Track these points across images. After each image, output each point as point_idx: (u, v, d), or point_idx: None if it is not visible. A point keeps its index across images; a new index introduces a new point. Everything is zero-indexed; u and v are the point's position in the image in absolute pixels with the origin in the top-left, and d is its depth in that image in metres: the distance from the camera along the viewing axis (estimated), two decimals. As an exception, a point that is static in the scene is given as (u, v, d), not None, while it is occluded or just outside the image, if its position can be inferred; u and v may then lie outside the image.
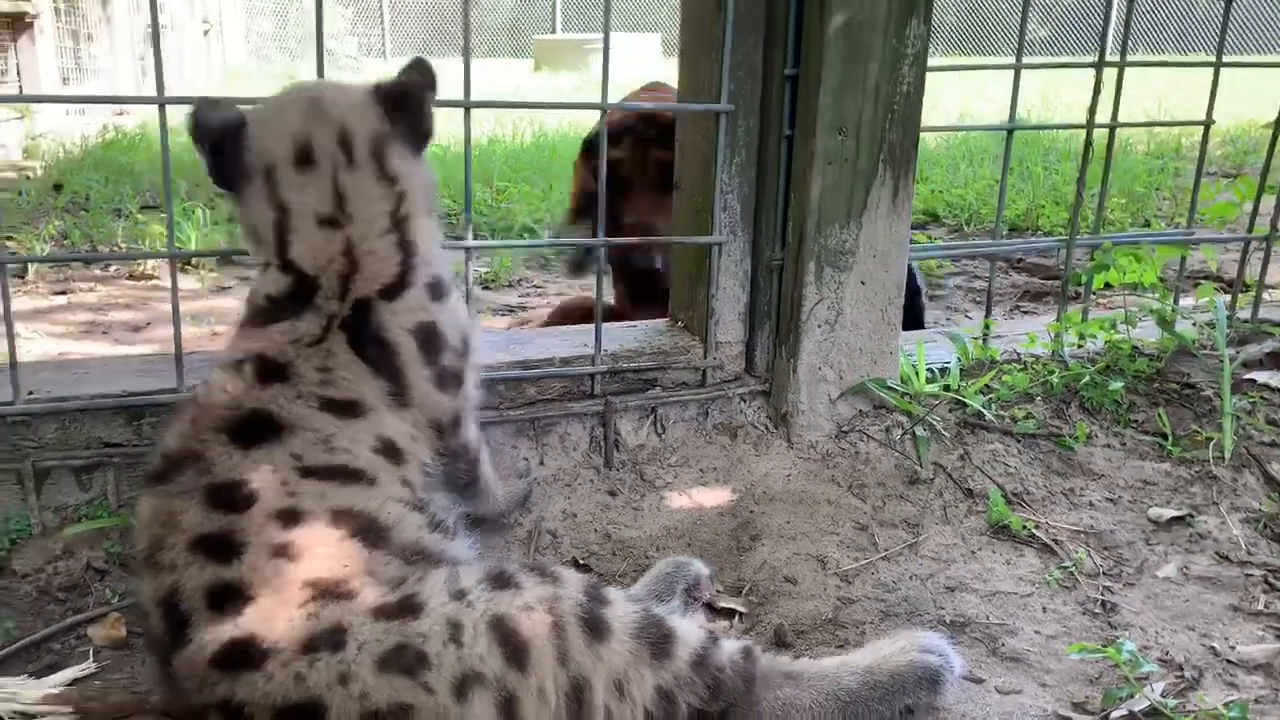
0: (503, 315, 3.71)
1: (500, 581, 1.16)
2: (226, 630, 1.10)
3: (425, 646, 1.09)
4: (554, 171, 5.64)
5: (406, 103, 1.41)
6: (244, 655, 1.09)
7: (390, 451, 1.31)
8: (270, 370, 1.28)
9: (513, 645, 1.10)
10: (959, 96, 9.37)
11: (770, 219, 1.93)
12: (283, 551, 1.15)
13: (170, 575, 1.15)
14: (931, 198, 5.02)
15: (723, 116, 1.85)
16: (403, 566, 1.21)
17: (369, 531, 1.21)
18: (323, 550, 1.17)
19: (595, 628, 1.13)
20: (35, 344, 3.05)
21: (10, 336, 1.62)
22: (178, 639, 1.12)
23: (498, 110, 6.32)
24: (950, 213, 4.87)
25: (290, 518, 1.18)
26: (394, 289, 1.36)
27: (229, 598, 1.12)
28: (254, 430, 1.23)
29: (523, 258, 4.43)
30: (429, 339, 1.38)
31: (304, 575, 1.14)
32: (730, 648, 1.22)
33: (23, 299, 3.57)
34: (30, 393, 1.63)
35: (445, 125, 7.81)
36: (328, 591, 1.13)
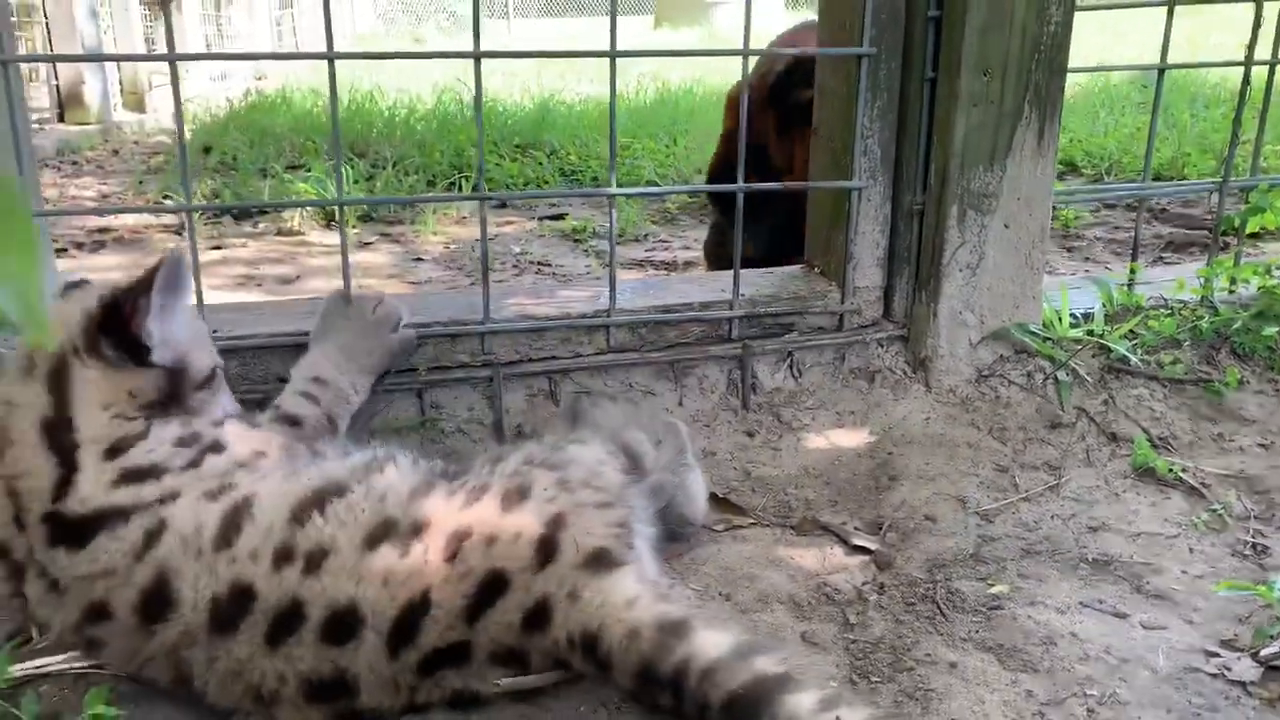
0: (629, 269, 3.77)
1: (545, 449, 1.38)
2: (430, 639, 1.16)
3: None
4: (677, 127, 5.66)
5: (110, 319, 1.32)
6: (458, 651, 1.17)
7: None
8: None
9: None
10: (1097, 43, 8.99)
11: (911, 163, 1.93)
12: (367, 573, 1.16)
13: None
14: (1070, 147, 4.87)
15: (864, 60, 1.86)
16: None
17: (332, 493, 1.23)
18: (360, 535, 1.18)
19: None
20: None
21: (198, 280, 1.75)
22: None
23: (620, 66, 6.35)
24: (1089, 162, 4.72)
25: (282, 556, 1.17)
26: (62, 487, 1.24)
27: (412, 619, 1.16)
28: (156, 604, 1.18)
29: (648, 213, 4.48)
30: (136, 475, 1.26)
31: (408, 568, 1.17)
32: None
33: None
34: (214, 331, 1.76)
35: (587, 85, 7.82)
36: (460, 538, 1.18)
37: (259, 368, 1.77)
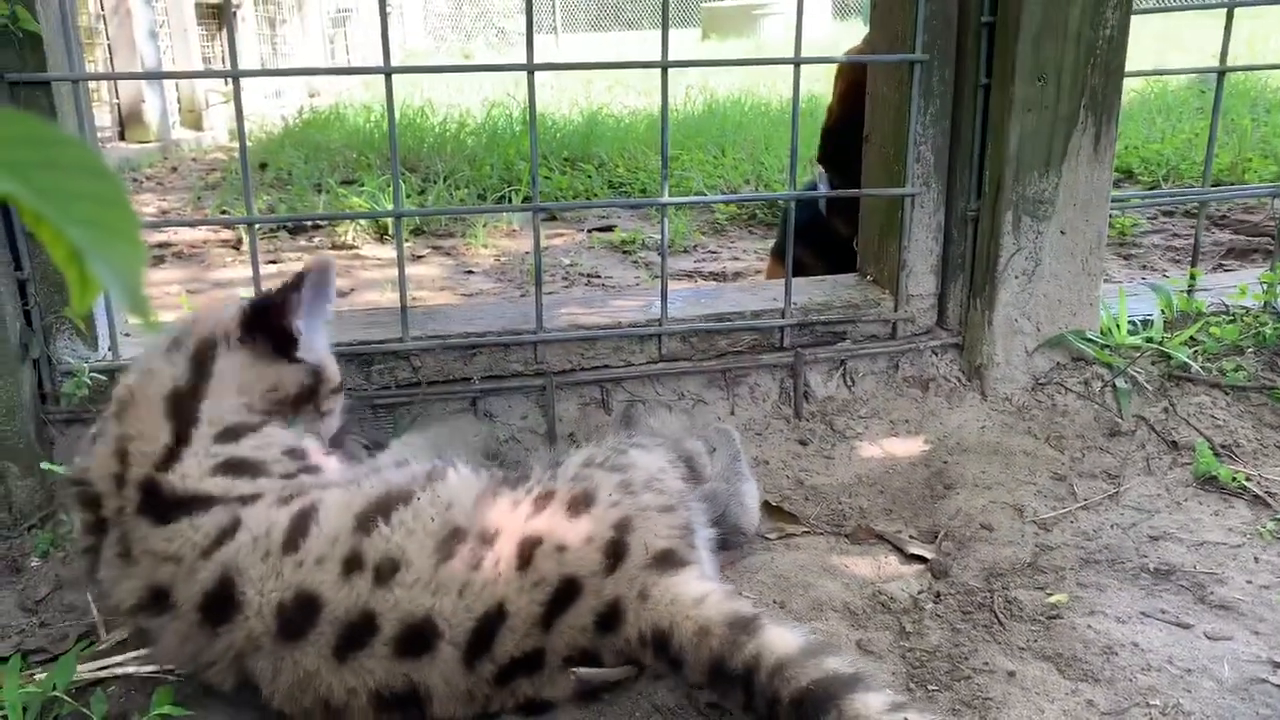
0: (679, 280, 3.78)
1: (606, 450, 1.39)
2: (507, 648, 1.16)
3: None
4: (725, 138, 5.67)
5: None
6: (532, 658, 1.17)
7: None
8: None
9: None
10: (1154, 49, 8.87)
11: (965, 169, 1.92)
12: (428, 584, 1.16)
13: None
14: (1126, 154, 4.80)
15: (917, 67, 1.85)
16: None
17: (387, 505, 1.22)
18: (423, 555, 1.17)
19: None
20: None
21: (258, 290, 1.79)
22: None
23: (668, 79, 6.37)
24: (1146, 169, 4.65)
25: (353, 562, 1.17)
26: (168, 458, 1.26)
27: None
28: (219, 605, 1.17)
29: (697, 224, 4.49)
30: (237, 467, 1.28)
31: (482, 575, 1.17)
32: None
33: (239, 267, 3.87)
34: (274, 340, 1.80)
35: (634, 98, 7.84)
36: (531, 545, 1.18)
37: (317, 376, 1.80)
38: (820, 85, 6.18)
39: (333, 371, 1.47)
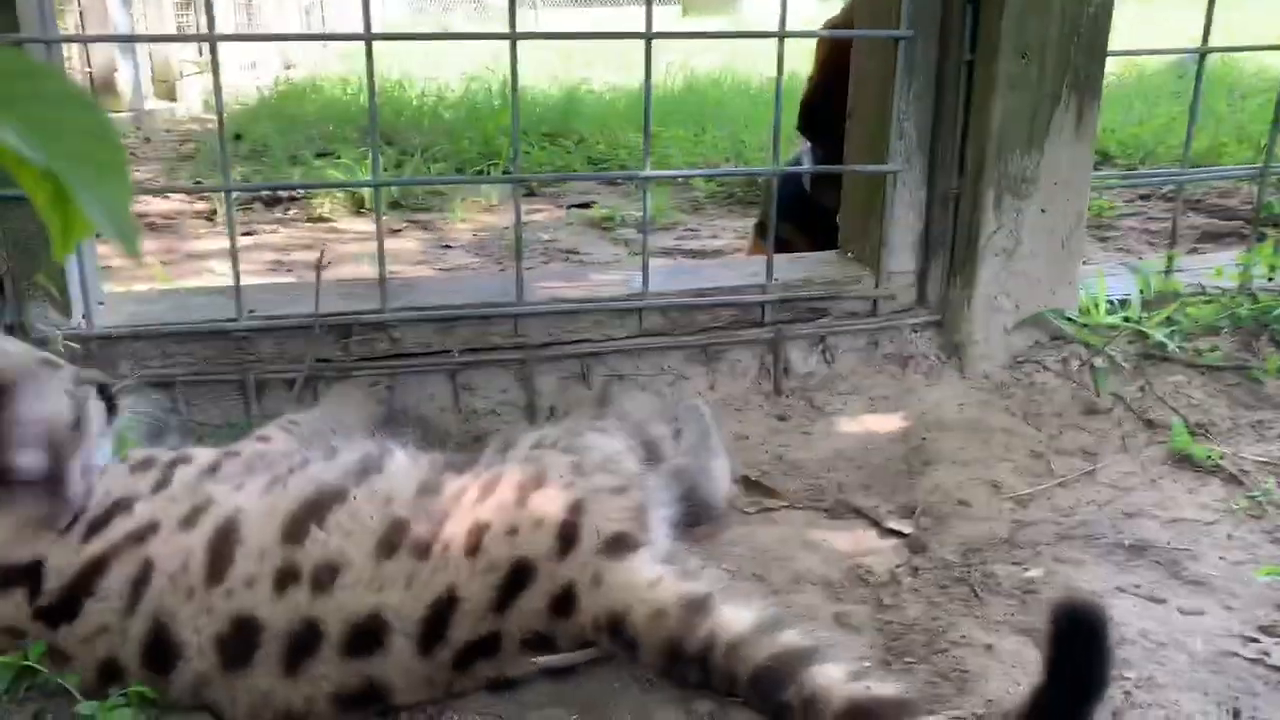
0: (658, 257, 3.77)
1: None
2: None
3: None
4: (706, 115, 5.65)
5: None
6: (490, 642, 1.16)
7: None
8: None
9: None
10: (1131, 32, 8.91)
11: (947, 146, 1.92)
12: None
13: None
14: (1104, 136, 4.83)
15: (902, 42, 1.85)
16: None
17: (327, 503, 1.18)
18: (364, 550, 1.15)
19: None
20: (228, 280, 3.28)
21: (235, 261, 1.77)
22: None
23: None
24: (1123, 152, 4.67)
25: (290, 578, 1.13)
26: (37, 582, 1.15)
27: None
28: (159, 655, 1.13)
29: (676, 202, 4.47)
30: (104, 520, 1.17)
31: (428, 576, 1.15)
32: None
33: (213, 239, 3.82)
34: (251, 311, 1.78)
35: (614, 74, 7.79)
36: (480, 530, 1.17)
37: (292, 347, 1.79)
38: (802, 64, 6.16)
39: (93, 411, 1.25)
